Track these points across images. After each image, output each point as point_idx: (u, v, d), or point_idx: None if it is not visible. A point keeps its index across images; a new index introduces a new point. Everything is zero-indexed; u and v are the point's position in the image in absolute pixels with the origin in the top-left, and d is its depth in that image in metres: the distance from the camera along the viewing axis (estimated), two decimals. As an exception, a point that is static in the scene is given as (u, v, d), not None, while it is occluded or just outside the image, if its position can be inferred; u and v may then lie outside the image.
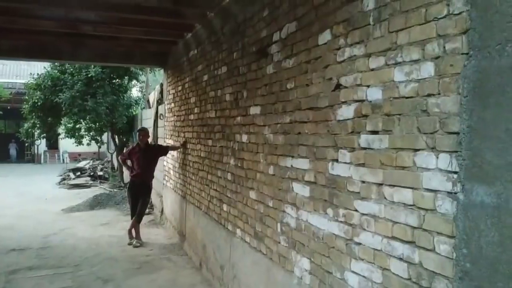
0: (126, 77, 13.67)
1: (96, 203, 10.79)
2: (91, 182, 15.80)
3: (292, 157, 3.32)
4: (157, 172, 8.27)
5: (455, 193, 1.84)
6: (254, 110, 4.08)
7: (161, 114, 8.99)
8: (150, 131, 9.60)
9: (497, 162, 1.65)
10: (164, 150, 7.62)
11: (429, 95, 1.99)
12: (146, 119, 11.55)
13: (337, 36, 2.74)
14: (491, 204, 1.67)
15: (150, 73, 16.06)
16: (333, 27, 2.78)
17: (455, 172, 1.84)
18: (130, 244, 7.09)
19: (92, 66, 12.37)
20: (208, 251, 5.47)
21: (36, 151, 28.51)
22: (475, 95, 1.76)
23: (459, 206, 1.82)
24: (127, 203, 9.79)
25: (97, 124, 13.72)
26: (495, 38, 1.67)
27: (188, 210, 6.64)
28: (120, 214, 9.68)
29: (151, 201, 9.41)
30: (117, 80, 13.53)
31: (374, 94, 2.38)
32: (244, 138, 4.32)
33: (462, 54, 1.82)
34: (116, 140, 14.70)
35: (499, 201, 1.64)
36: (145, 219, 8.22)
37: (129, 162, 7.57)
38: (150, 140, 8.34)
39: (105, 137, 18.77)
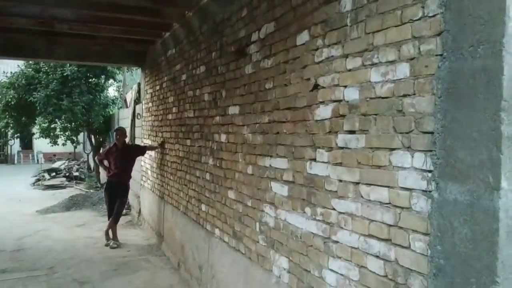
0: (103, 76, 13.52)
1: (72, 204, 10.62)
2: (67, 183, 15.53)
3: (271, 156, 3.34)
4: (135, 173, 8.20)
5: (430, 191, 1.88)
6: (233, 110, 4.09)
7: (139, 113, 8.91)
8: (128, 131, 9.51)
9: (469, 161, 1.69)
10: (141, 150, 7.55)
11: (404, 96, 2.03)
12: (123, 118, 11.43)
13: (315, 36, 2.77)
14: (464, 202, 1.71)
15: (127, 72, 15.90)
16: (311, 27, 2.80)
17: (430, 171, 1.88)
18: (107, 245, 7.00)
19: (68, 64, 12.17)
20: (187, 251, 5.44)
21: (9, 151, 27.89)
22: (448, 95, 1.80)
23: (433, 204, 1.86)
24: (104, 203, 9.65)
25: (73, 123, 13.53)
26: (467, 40, 1.71)
27: (166, 211, 6.60)
28: (96, 215, 9.54)
29: (129, 202, 9.31)
30: (94, 79, 13.38)
31: (351, 94, 2.41)
32: (223, 138, 4.32)
33: (437, 55, 1.86)
34: (93, 140, 14.51)
35: (471, 199, 1.68)
36: (123, 220, 8.12)
37: (106, 162, 7.47)
38: (127, 140, 8.26)
39: (81, 137, 18.47)
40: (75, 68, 12.39)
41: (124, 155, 7.24)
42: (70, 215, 9.73)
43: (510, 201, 1.59)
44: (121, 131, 7.56)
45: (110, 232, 7.15)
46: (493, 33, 1.61)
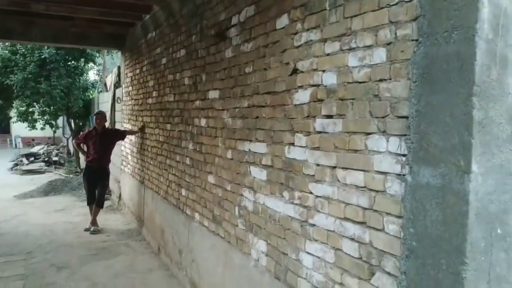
0: (82, 59, 13.26)
1: (50, 189, 10.48)
2: (46, 167, 15.30)
3: (250, 141, 3.34)
4: (115, 157, 8.13)
5: (404, 175, 1.91)
6: (213, 94, 4.07)
7: (119, 97, 8.80)
8: (108, 115, 9.39)
9: (442, 145, 1.72)
10: (121, 135, 7.48)
11: (380, 80, 2.05)
12: (103, 102, 11.27)
13: (294, 20, 2.76)
14: (436, 185, 1.75)
15: (107, 55, 15.64)
16: (291, 11, 2.79)
17: (404, 155, 1.91)
18: (86, 230, 6.96)
19: (46, 47, 11.90)
20: (167, 236, 5.45)
21: (-14, 136, 27.28)
22: (423, 80, 1.82)
23: (407, 188, 1.89)
24: (83, 188, 9.57)
25: (52, 107, 13.27)
26: (442, 26, 1.73)
27: (146, 195, 6.57)
28: (76, 200, 9.45)
29: (109, 187, 9.24)
30: (73, 62, 13.10)
31: (329, 78, 2.42)
32: (203, 122, 4.31)
33: (412, 40, 1.88)
34: (72, 124, 14.28)
35: (443, 182, 1.72)
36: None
37: (84, 147, 7.37)
38: (107, 124, 8.16)
39: (60, 121, 18.18)
40: (54, 51, 12.11)
41: (103, 140, 7.15)
42: (49, 200, 9.61)
43: (480, 185, 1.63)
44: (101, 115, 7.45)
45: (96, 218, 7.11)
46: (466, 19, 1.63)
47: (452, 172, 1.68)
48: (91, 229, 6.92)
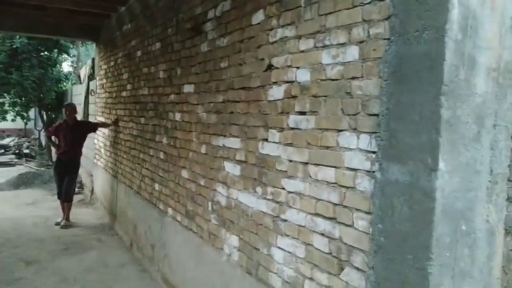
0: (55, 50, 12.95)
1: (21, 182, 10.22)
2: (16, 160, 14.91)
3: (224, 136, 3.33)
4: (88, 151, 8.00)
5: (373, 171, 1.94)
6: (188, 88, 4.04)
7: (92, 90, 8.65)
8: (81, 107, 9.22)
9: (410, 143, 1.75)
10: (93, 127, 7.35)
11: (353, 78, 2.07)
12: (77, 95, 11.05)
13: (270, 16, 2.76)
14: (404, 182, 1.78)
15: (81, 46, 15.34)
16: (266, 7, 2.79)
17: (374, 152, 1.94)
18: (57, 224, 6.83)
19: (18, 36, 11.58)
20: (139, 230, 5.39)
21: (-47, 127, 26.40)
22: (394, 79, 1.85)
23: (376, 184, 1.92)
24: (54, 182, 9.38)
25: (23, 99, 12.94)
26: (413, 25, 1.76)
27: (119, 190, 6.49)
28: (47, 194, 9.25)
29: (81, 181, 9.09)
30: (46, 53, 12.79)
31: (303, 75, 2.43)
32: (178, 116, 4.27)
33: (384, 39, 1.90)
34: (44, 116, 13.96)
35: (411, 179, 1.75)
36: (75, 198, 7.92)
37: (56, 140, 7.22)
38: (79, 116, 8.01)
39: (32, 113, 17.74)
40: (25, 41, 11.81)
41: (74, 132, 7.00)
42: (19, 194, 9.38)
43: (447, 182, 1.67)
44: (71, 107, 7.29)
45: (68, 213, 6.98)
46: (437, 19, 1.66)
47: (420, 170, 1.71)
48: (62, 224, 6.79)
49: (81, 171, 8.10)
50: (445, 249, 1.69)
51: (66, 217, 6.94)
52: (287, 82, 2.58)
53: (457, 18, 1.64)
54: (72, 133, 6.96)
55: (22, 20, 7.45)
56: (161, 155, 4.69)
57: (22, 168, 13.22)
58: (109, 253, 5.66)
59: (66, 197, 6.99)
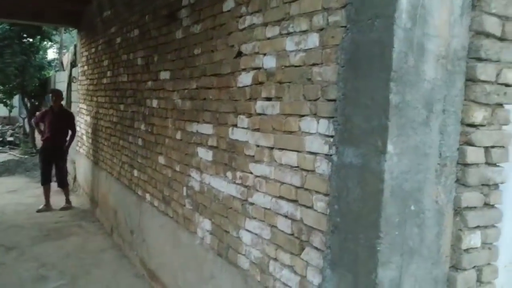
0: (38, 37, 12.81)
1: (3, 170, 10.21)
2: (0, 148, 14.81)
3: (198, 122, 3.38)
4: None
5: (331, 155, 2.01)
6: (164, 75, 4.07)
7: (74, 77, 8.60)
8: (64, 94, 9.17)
9: (363, 126, 1.82)
10: (71, 126, 7.34)
11: (313, 65, 2.13)
12: (60, 82, 10.99)
13: (239, 4, 2.80)
14: (357, 165, 1.85)
15: (65, 33, 15.18)
16: (236, -6, 2.83)
17: (331, 136, 2.01)
18: (39, 211, 6.87)
19: (-1, 22, 11.45)
20: (119, 216, 5.44)
21: None
22: (349, 65, 1.91)
23: (333, 167, 1.99)
24: (38, 169, 9.38)
25: (6, 86, 12.81)
26: (367, 14, 1.82)
27: (100, 176, 6.51)
28: (30, 181, 9.25)
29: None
30: (28, 39, 12.65)
31: (269, 62, 2.48)
32: (155, 103, 4.31)
33: (341, 27, 1.96)
34: (28, 104, 13.84)
35: (363, 162, 1.82)
36: (56, 185, 7.98)
37: (42, 126, 7.24)
38: (64, 103, 7.98)
39: (17, 101, 17.56)
40: (7, 27, 11.66)
41: (59, 119, 7.06)
42: (2, 181, 9.37)
43: (395, 164, 1.75)
44: (57, 93, 7.34)
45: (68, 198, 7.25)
46: (387, 8, 1.72)
47: (371, 153, 1.79)
48: (63, 206, 7.12)
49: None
50: (394, 228, 1.77)
51: (67, 200, 7.24)
52: (255, 68, 2.63)
53: (406, 7, 1.70)
54: (57, 120, 7.04)
55: (3, 6, 7.36)
56: (140, 142, 4.73)
57: (5, 155, 13.14)
58: (90, 239, 5.72)
59: (61, 184, 7.24)
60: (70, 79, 9.18)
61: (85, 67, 7.58)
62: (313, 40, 2.14)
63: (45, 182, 7.13)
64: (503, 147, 2.02)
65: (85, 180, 7.62)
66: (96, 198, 6.75)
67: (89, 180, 7.26)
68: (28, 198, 7.77)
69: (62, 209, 7.03)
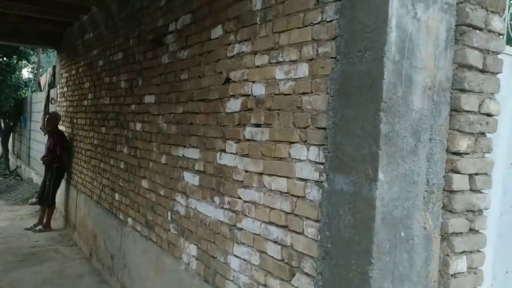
0: (14, 57, 12.63)
1: (-25, 192, 9.91)
2: (-29, 169, 14.38)
3: (184, 146, 3.39)
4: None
5: (321, 182, 2.05)
6: (149, 99, 4.08)
7: (53, 98, 8.50)
8: (41, 115, 9.06)
9: (354, 154, 1.88)
10: (58, 142, 7.25)
11: (303, 93, 2.19)
12: (37, 102, 10.83)
13: (228, 32, 2.86)
14: (348, 192, 1.90)
15: (42, 53, 15.02)
16: (225, 23, 2.89)
17: (322, 163, 2.05)
18: (29, 229, 6.98)
19: (-25, 42, 11.25)
20: (99, 240, 5.34)
21: None
22: (339, 95, 1.98)
23: (323, 194, 2.03)
24: (11, 192, 9.16)
25: (-20, 106, 12.55)
26: (357, 46, 1.89)
27: (79, 199, 6.40)
28: (3, 204, 9.00)
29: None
30: (4, 59, 12.47)
31: (258, 89, 2.54)
32: (138, 126, 4.30)
33: (331, 58, 2.03)
34: (2, 124, 13.55)
35: (354, 189, 1.87)
36: (33, 208, 7.80)
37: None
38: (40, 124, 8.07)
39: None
40: (-17, 46, 11.48)
41: (50, 140, 7.20)
42: (-27, 204, 9.08)
43: (386, 192, 1.80)
44: (50, 115, 7.57)
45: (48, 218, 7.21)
46: (377, 41, 1.80)
47: (362, 180, 1.84)
48: (37, 228, 7.03)
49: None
50: (385, 254, 1.81)
51: (40, 220, 7.16)
52: (244, 95, 2.68)
53: (395, 41, 1.78)
54: (48, 140, 7.29)
55: (-21, 26, 7.28)
56: (122, 165, 4.69)
57: (-23, 177, 12.76)
58: (68, 264, 5.57)
59: (40, 200, 7.37)
60: (48, 100, 9.06)
61: (65, 89, 7.52)
62: (303, 69, 2.20)
63: (40, 202, 7.38)
64: (486, 174, 2.10)
65: (62, 203, 7.46)
66: (74, 222, 6.62)
67: (67, 202, 7.13)
68: (1, 221, 7.55)
69: (28, 229, 6.98)
